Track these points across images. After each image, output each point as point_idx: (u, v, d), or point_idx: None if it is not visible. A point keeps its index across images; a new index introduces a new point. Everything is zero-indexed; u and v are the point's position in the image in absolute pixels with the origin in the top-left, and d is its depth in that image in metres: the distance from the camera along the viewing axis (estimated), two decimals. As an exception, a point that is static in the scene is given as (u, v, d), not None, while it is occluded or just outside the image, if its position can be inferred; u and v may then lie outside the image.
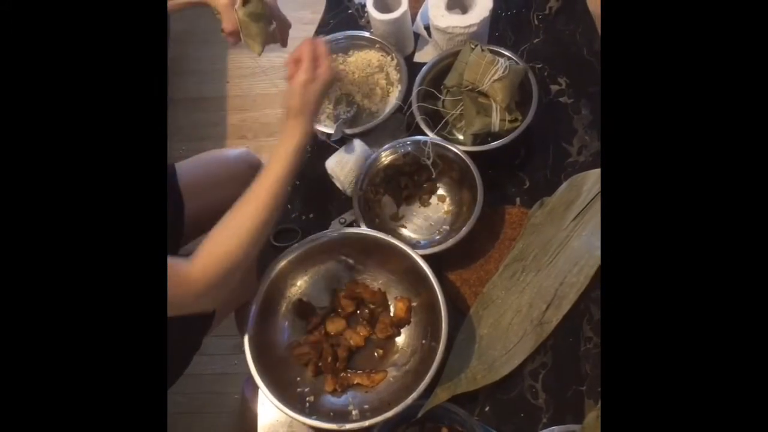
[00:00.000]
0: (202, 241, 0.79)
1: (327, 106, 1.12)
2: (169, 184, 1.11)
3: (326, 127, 1.07)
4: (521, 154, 1.08)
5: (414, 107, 1.04)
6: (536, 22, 1.21)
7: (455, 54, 1.07)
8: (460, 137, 1.06)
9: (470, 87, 1.03)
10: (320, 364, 0.90)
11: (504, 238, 1.00)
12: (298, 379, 0.90)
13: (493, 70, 1.00)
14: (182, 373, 1.10)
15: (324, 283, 0.96)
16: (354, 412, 0.85)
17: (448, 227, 1.01)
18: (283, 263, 0.92)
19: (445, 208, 1.04)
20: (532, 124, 1.01)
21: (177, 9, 0.94)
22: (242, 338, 0.87)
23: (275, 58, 1.67)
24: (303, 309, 0.94)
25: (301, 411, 0.83)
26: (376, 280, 0.96)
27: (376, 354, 0.93)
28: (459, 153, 0.99)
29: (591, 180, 1.01)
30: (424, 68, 1.08)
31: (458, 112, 1.06)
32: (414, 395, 0.80)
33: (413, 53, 1.19)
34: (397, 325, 0.93)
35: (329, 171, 1.04)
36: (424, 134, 1.02)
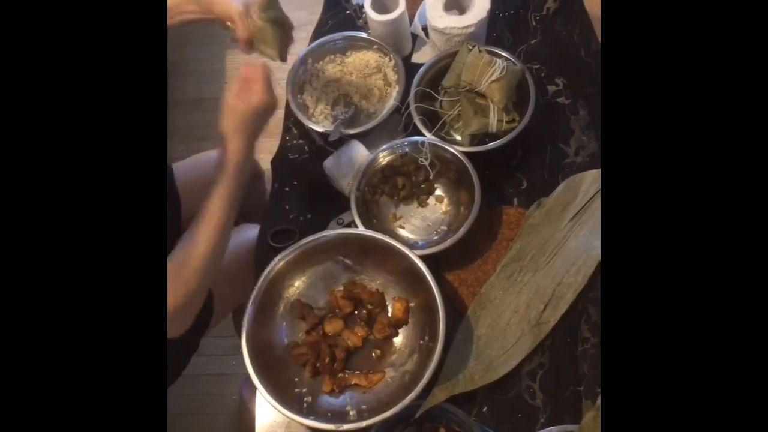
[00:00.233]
0: None
1: (325, 107, 1.12)
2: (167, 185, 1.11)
3: (324, 128, 1.07)
4: (519, 154, 1.08)
5: (412, 108, 1.04)
6: (534, 23, 1.21)
7: (453, 55, 1.07)
8: (458, 138, 1.07)
9: (468, 88, 1.03)
10: (318, 364, 0.90)
11: (501, 239, 1.00)
12: (296, 379, 0.90)
13: (491, 71, 1.00)
14: (180, 374, 1.10)
15: (322, 284, 0.96)
16: (352, 413, 0.85)
17: (445, 228, 1.02)
18: (280, 264, 0.92)
19: (443, 209, 1.04)
20: (530, 124, 1.01)
21: (180, 25, 0.93)
22: (240, 339, 0.87)
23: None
24: (301, 309, 0.94)
25: (299, 411, 0.83)
26: (374, 281, 0.96)
27: (373, 354, 0.93)
28: (456, 153, 0.99)
29: (588, 180, 1.02)
30: (422, 69, 1.08)
31: (456, 112, 1.06)
32: (412, 395, 0.80)
33: (411, 54, 1.19)
34: (395, 325, 0.93)
35: (327, 172, 1.04)
36: (422, 135, 1.02)
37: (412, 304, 0.93)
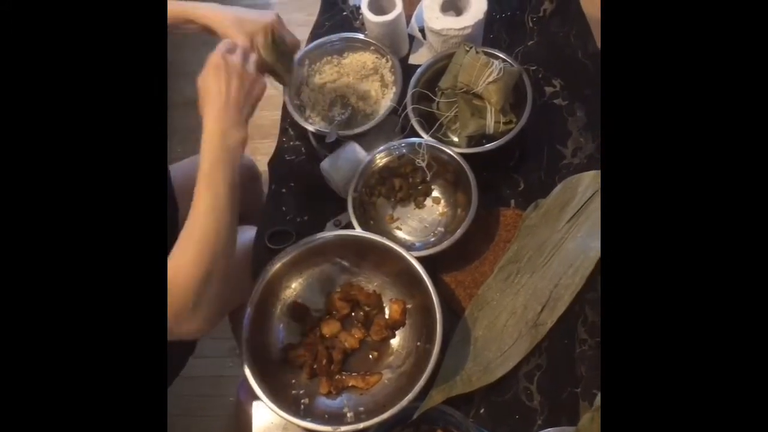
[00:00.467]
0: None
1: (322, 108, 1.12)
2: (164, 187, 1.11)
3: (320, 129, 1.07)
4: (516, 156, 1.08)
5: (409, 109, 1.04)
6: (531, 24, 1.21)
7: (450, 56, 1.07)
8: (455, 139, 1.07)
9: (465, 89, 1.03)
10: (315, 366, 0.90)
11: (499, 240, 1.00)
12: (293, 381, 0.89)
13: (488, 73, 1.00)
14: (177, 376, 1.10)
15: (319, 286, 0.96)
16: (349, 415, 0.85)
17: (442, 229, 1.01)
18: (277, 265, 0.91)
19: (440, 210, 1.04)
20: (527, 126, 1.01)
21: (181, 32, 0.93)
22: (237, 341, 0.87)
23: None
24: (298, 311, 0.94)
25: (296, 413, 0.83)
26: (371, 282, 0.96)
27: (371, 356, 0.93)
28: (454, 155, 0.99)
29: (585, 182, 1.02)
30: (419, 70, 1.08)
31: (453, 114, 1.06)
32: (409, 397, 0.80)
33: (408, 55, 1.19)
34: (392, 327, 0.93)
35: (324, 173, 1.04)
36: (419, 136, 1.02)
37: (409, 306, 0.93)
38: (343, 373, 0.91)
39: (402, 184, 1.05)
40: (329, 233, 0.94)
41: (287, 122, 1.15)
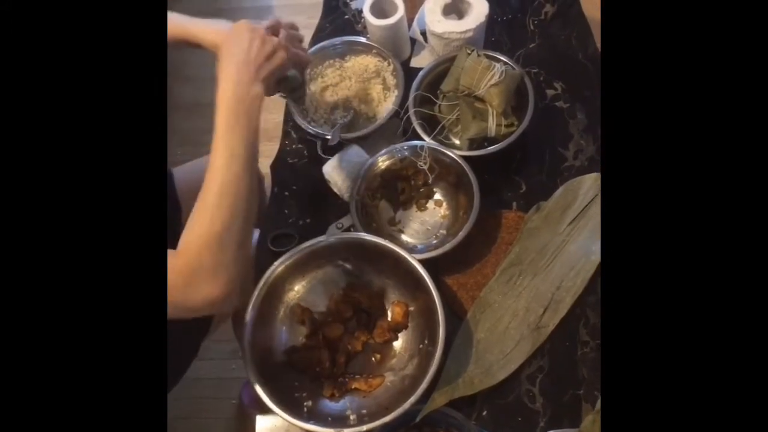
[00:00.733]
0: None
1: (324, 111, 1.12)
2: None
3: (323, 132, 1.07)
4: (517, 158, 1.08)
5: (410, 112, 1.04)
6: (532, 27, 1.21)
7: (451, 59, 1.07)
8: (457, 142, 1.07)
9: (466, 92, 1.03)
10: (318, 369, 0.90)
11: (500, 243, 1.00)
12: (296, 384, 0.90)
13: (489, 75, 1.01)
14: (180, 379, 1.10)
15: (321, 288, 0.97)
16: (352, 417, 0.85)
17: (444, 232, 1.02)
18: (280, 268, 0.92)
19: (442, 213, 1.04)
20: (528, 128, 1.01)
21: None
22: (240, 343, 0.87)
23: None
24: (301, 314, 0.94)
25: (299, 416, 0.83)
26: (373, 285, 0.96)
27: (373, 359, 0.93)
28: (455, 158, 0.99)
29: (587, 184, 1.02)
30: (421, 73, 1.09)
31: (455, 117, 1.06)
32: (412, 400, 0.80)
33: (410, 58, 1.20)
34: (395, 329, 0.93)
35: (326, 176, 1.04)
36: (421, 139, 1.03)
37: (411, 309, 0.93)
38: (346, 375, 0.91)
39: (404, 186, 1.05)
40: (332, 236, 0.94)
41: (289, 125, 1.16)
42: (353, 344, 0.92)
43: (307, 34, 1.23)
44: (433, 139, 1.03)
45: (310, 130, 1.08)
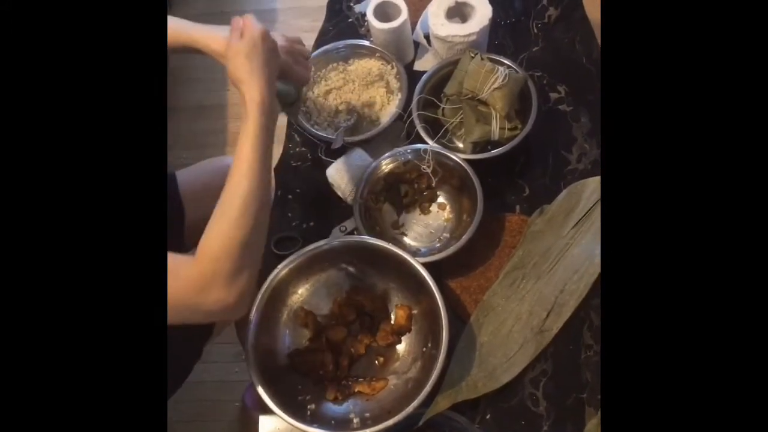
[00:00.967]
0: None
1: (328, 114, 1.12)
2: (170, 192, 1.11)
3: (327, 136, 1.08)
4: (521, 162, 1.08)
5: (414, 115, 1.05)
6: (535, 30, 1.21)
7: (455, 62, 1.07)
8: (460, 145, 1.07)
9: (470, 95, 1.03)
10: (321, 372, 0.90)
11: (504, 246, 1.00)
12: (299, 387, 0.90)
13: (493, 79, 1.01)
14: (183, 383, 1.10)
15: (325, 291, 0.97)
16: (355, 420, 0.85)
17: (448, 235, 1.02)
18: (284, 271, 0.92)
19: (445, 216, 1.04)
20: (532, 132, 1.01)
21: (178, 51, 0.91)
22: (243, 346, 0.87)
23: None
24: (304, 317, 0.94)
25: (303, 419, 0.83)
26: (376, 288, 0.96)
27: (377, 362, 0.93)
28: (459, 161, 0.99)
29: (590, 188, 1.02)
30: (424, 77, 1.09)
31: (458, 120, 1.06)
32: (415, 403, 0.80)
33: (413, 62, 1.20)
34: (398, 332, 0.93)
35: (330, 179, 1.04)
36: (424, 142, 1.03)
37: (414, 312, 0.93)
38: (350, 378, 0.91)
39: (407, 190, 1.05)
40: (335, 239, 0.94)
41: (293, 128, 1.16)
42: (356, 347, 0.92)
43: (310, 37, 1.24)
44: (437, 142, 1.03)
45: (313, 134, 1.09)
